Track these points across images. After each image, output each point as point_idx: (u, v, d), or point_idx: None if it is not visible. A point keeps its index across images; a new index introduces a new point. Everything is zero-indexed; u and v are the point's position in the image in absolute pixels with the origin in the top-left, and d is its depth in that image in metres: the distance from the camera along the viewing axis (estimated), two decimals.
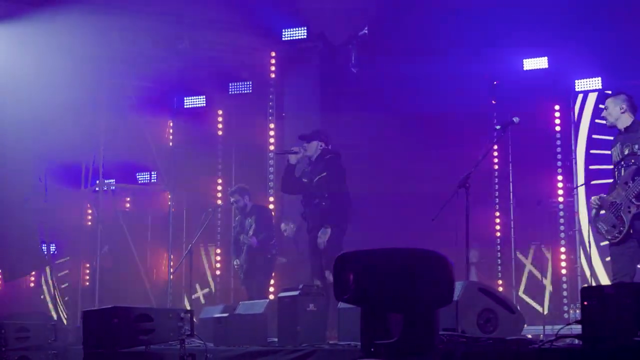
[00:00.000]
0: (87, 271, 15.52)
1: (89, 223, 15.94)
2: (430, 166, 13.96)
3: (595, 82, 13.44)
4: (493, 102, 14.55)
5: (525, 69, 13.87)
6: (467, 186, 8.37)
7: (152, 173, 16.52)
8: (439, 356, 5.96)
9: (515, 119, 8.76)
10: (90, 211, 15.85)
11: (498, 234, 14.35)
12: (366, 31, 13.84)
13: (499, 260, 14.31)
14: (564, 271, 13.25)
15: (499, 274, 14.24)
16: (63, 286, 15.70)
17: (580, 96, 13.86)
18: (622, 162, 8.33)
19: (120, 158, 15.46)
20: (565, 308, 13.04)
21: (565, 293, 13.16)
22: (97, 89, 14.74)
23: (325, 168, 10.33)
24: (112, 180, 15.68)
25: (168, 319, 7.63)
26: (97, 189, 15.12)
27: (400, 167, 14.14)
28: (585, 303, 6.15)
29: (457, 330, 7.15)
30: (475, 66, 13.63)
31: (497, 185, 14.48)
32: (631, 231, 8.11)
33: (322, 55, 14.36)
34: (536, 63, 13.75)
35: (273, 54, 14.77)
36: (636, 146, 8.24)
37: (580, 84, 13.47)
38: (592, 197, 8.64)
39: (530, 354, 6.20)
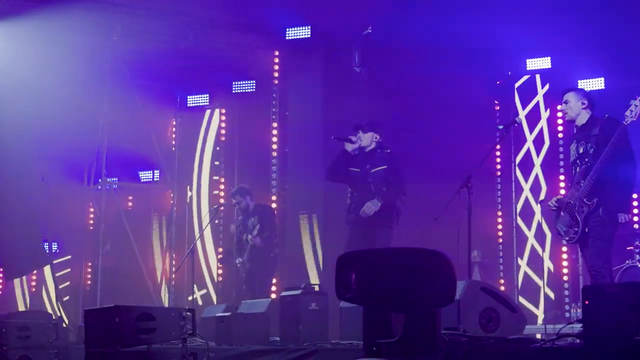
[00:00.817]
0: (89, 270, 15.52)
1: (91, 222, 15.95)
2: (433, 166, 13.97)
3: (599, 83, 13.45)
4: (495, 102, 14.58)
5: (528, 68, 13.88)
6: (469, 186, 8.36)
7: (155, 171, 16.52)
8: (441, 355, 5.97)
9: (518, 119, 8.74)
10: (92, 210, 15.86)
11: (500, 233, 14.36)
12: (370, 30, 13.84)
13: (500, 259, 14.33)
14: (565, 270, 13.27)
15: (501, 273, 14.25)
16: (63, 285, 15.69)
17: None
18: (577, 161, 8.22)
19: (123, 156, 15.47)
20: (567, 307, 13.05)
21: (566, 292, 13.17)
22: (100, 87, 14.75)
23: (386, 162, 10.18)
24: (114, 179, 15.69)
25: (170, 318, 7.64)
26: (99, 187, 15.13)
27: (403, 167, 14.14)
28: (587, 302, 6.15)
29: (459, 330, 7.16)
30: (479, 66, 13.63)
31: (499, 185, 14.48)
32: (586, 230, 8.00)
33: (325, 55, 14.36)
34: (539, 63, 13.76)
35: (277, 52, 14.79)
36: (589, 144, 8.11)
37: (583, 84, 13.47)
38: (551, 199, 8.56)
39: (532, 353, 6.20)
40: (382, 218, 10.01)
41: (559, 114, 13.66)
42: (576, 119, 8.38)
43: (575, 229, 8.05)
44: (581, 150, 8.18)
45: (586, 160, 8.10)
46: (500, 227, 14.35)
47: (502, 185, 14.40)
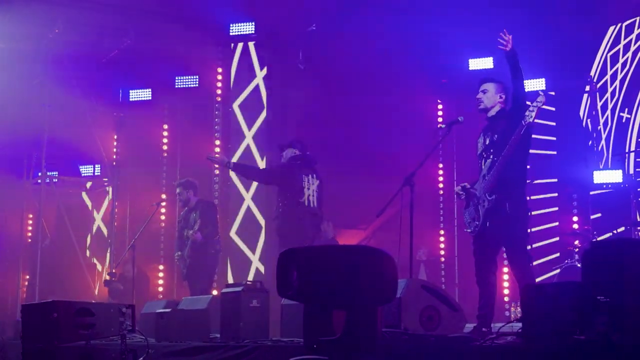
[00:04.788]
0: (28, 264, 15.29)
1: (30, 215, 15.74)
2: (376, 163, 14.04)
3: (539, 83, 13.56)
4: (438, 100, 14.67)
5: (470, 68, 13.97)
6: (412, 184, 8.36)
7: (96, 166, 16.34)
8: (381, 353, 5.98)
9: (460, 118, 8.72)
10: (31, 203, 15.64)
11: (442, 232, 14.47)
12: (314, 27, 13.83)
13: (442, 258, 14.43)
14: (505, 269, 13.36)
15: (442, 271, 14.36)
16: None
17: None
18: (484, 153, 8.13)
19: (63, 150, 15.29)
20: (507, 306, 13.15)
21: (506, 291, 13.28)
22: (41, 79, 14.56)
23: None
24: (55, 173, 15.49)
25: (109, 314, 7.56)
26: (39, 180, 14.93)
27: (346, 164, 14.19)
28: (526, 301, 6.20)
29: (400, 327, 7.17)
30: (422, 65, 13.70)
31: (441, 184, 14.58)
32: (487, 224, 7.92)
33: (269, 51, 14.33)
34: (481, 63, 13.86)
35: (220, 48, 14.73)
36: (495, 136, 8.01)
37: (525, 85, 13.55)
38: (457, 186, 8.47)
39: (471, 352, 6.24)
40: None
41: None
42: (490, 110, 8.20)
43: (476, 222, 7.99)
44: (487, 142, 8.09)
45: (491, 151, 8.00)
46: (442, 225, 14.46)
47: (445, 184, 14.51)
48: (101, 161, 16.01)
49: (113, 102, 15.87)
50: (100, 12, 14.04)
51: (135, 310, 7.70)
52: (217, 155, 11.04)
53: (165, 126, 15.73)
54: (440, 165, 14.56)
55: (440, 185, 14.64)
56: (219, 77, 14.77)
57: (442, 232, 14.50)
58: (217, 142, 14.54)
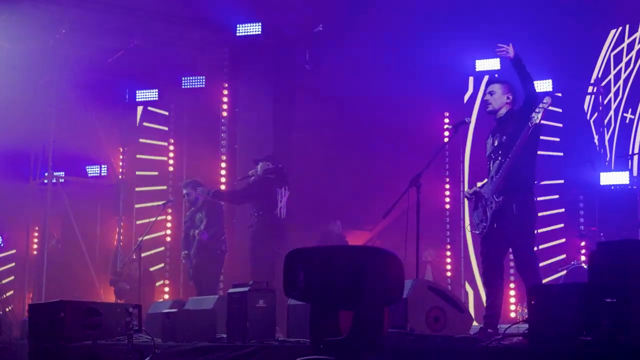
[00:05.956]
0: (35, 264, 15.32)
1: (37, 216, 15.74)
2: (382, 164, 14.04)
3: (546, 85, 13.55)
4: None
5: (477, 70, 13.96)
6: (418, 185, 8.36)
7: (102, 166, 16.36)
8: (387, 353, 5.98)
9: (467, 119, 8.72)
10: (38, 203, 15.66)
11: (448, 233, 14.47)
12: (321, 28, 13.84)
13: (448, 259, 14.43)
14: (511, 270, 13.36)
15: (449, 273, 14.35)
16: (8, 280, 15.51)
17: None
18: (492, 155, 8.10)
19: (70, 150, 15.30)
20: (513, 307, 13.16)
21: (513, 292, 13.27)
22: (47, 79, 14.59)
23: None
24: (61, 173, 15.51)
25: (116, 314, 7.57)
26: (45, 181, 14.95)
27: (352, 165, 14.19)
28: (533, 302, 6.20)
29: (406, 328, 7.17)
30: (428, 67, 13.69)
31: (448, 185, 14.56)
32: (495, 226, 7.90)
33: (276, 51, 14.35)
34: (488, 64, 13.85)
35: (227, 49, 14.74)
36: (504, 137, 7.98)
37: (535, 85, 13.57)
38: (467, 189, 8.43)
39: (477, 352, 6.24)
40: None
41: None
42: (498, 112, 8.18)
43: (484, 223, 7.97)
44: (496, 144, 8.07)
45: (500, 152, 7.98)
46: (448, 226, 14.45)
47: (451, 185, 14.50)
48: (107, 161, 16.02)
49: (119, 103, 15.88)
50: (107, 13, 14.05)
51: (141, 310, 7.71)
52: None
53: (172, 126, 15.74)
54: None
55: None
56: (226, 77, 14.77)
57: (448, 232, 14.49)
58: (223, 143, 14.54)
